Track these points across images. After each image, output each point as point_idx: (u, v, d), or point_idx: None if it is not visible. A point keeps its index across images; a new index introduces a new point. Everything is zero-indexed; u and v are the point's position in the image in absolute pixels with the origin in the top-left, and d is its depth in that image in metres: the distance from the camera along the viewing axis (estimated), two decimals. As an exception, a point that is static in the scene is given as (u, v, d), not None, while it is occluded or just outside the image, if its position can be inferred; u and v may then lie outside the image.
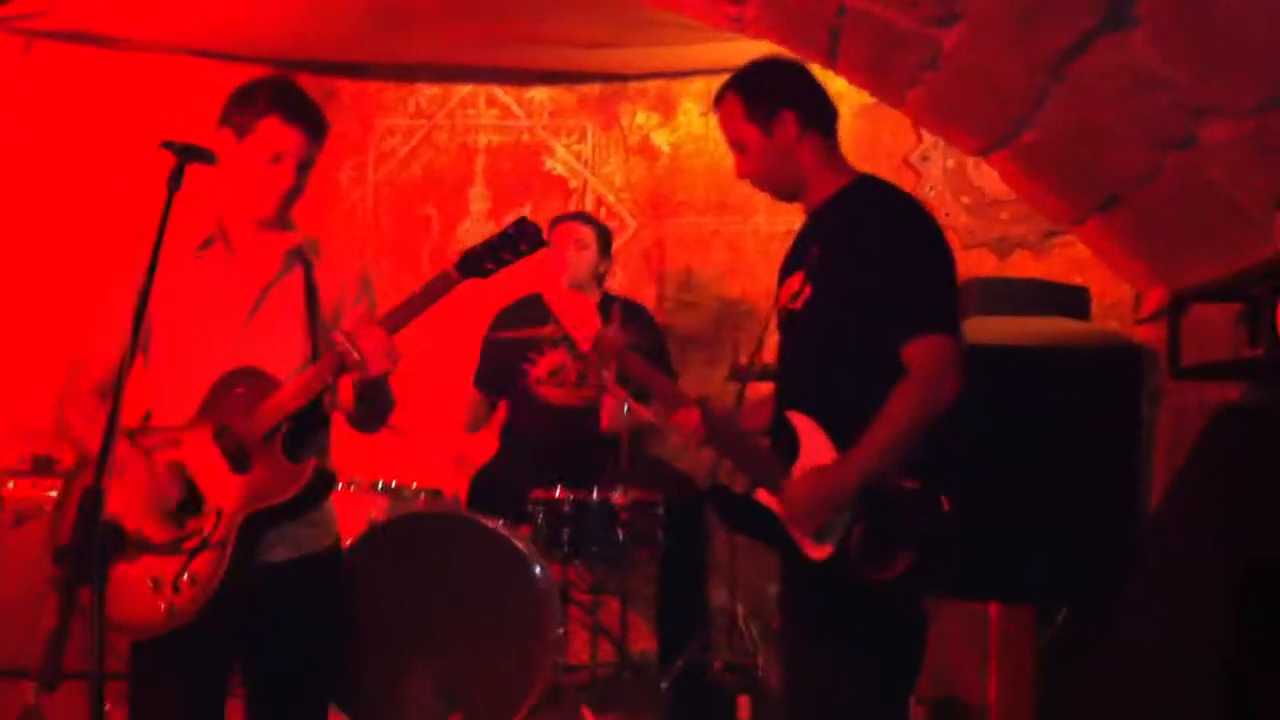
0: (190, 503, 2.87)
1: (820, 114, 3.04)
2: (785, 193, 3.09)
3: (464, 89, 6.36)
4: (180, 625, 2.83)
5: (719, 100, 3.07)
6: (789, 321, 3.02)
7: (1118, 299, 4.88)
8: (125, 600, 2.78)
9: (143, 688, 2.98)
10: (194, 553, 2.83)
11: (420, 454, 5.12)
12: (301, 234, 3.11)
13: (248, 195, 3.00)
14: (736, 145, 3.06)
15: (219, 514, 2.86)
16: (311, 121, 2.99)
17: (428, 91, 6.37)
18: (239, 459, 2.89)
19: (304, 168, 2.99)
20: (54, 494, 5.21)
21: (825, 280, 2.92)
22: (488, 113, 6.36)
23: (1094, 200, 3.16)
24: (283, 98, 2.98)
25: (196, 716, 2.97)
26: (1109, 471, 3.66)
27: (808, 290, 2.94)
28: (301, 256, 3.08)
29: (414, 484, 4.94)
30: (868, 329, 2.82)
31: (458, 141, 6.36)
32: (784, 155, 2.99)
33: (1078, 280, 4.80)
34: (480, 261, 2.96)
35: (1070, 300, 4.27)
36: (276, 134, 2.94)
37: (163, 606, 2.82)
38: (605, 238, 5.43)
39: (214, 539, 2.84)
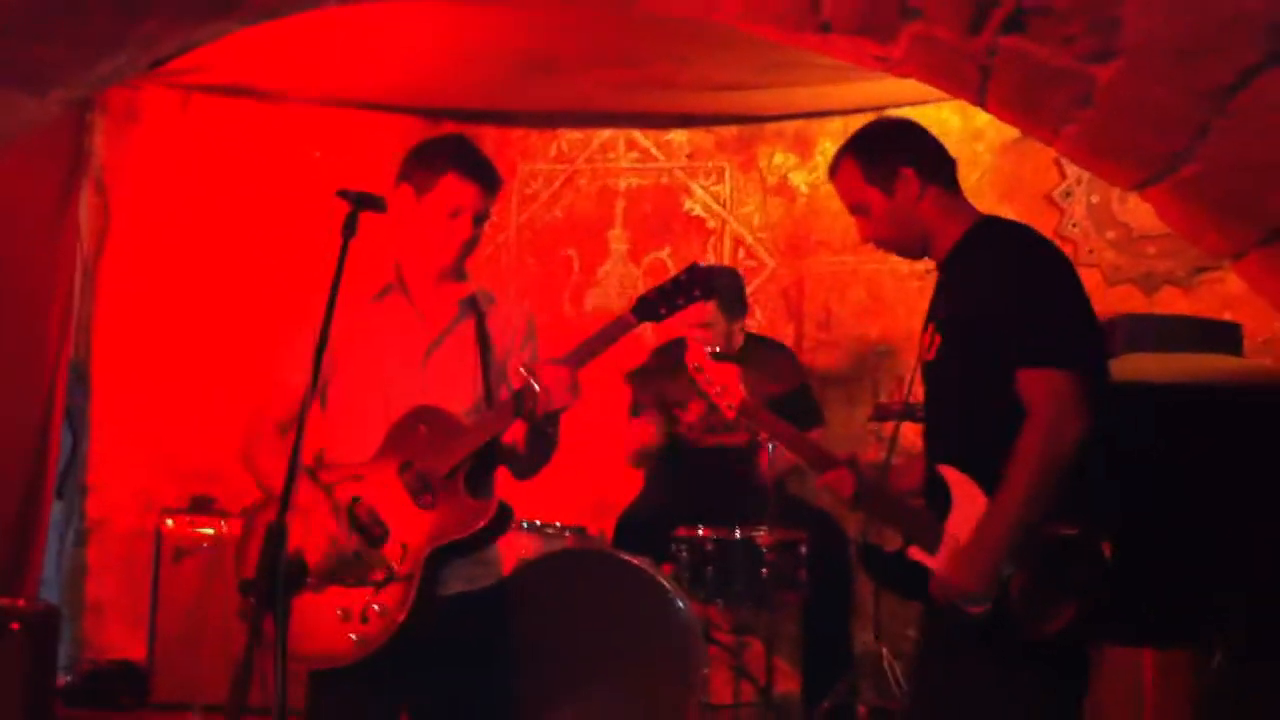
0: (375, 536, 2.96)
1: (939, 166, 2.99)
2: (912, 251, 3.05)
3: (604, 133, 6.47)
4: (367, 654, 2.90)
5: (835, 168, 3.04)
6: (928, 373, 2.98)
7: (1271, 335, 4.78)
8: (314, 631, 2.88)
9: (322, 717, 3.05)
10: (381, 584, 2.92)
11: (562, 495, 5.15)
12: (475, 285, 3.24)
13: (428, 247, 3.14)
14: (858, 210, 3.02)
15: (404, 547, 2.94)
16: (487, 177, 3.15)
17: (569, 136, 6.49)
18: (423, 494, 2.97)
19: (480, 220, 3.15)
20: (211, 531, 5.41)
21: (952, 328, 2.89)
22: (627, 156, 6.45)
23: (1256, 234, 3.07)
24: (460, 155, 3.15)
25: None
26: (1270, 511, 3.57)
27: (938, 340, 2.91)
28: (475, 306, 3.20)
29: (558, 523, 4.99)
30: (994, 371, 2.76)
31: (598, 184, 6.46)
32: (907, 214, 2.95)
33: (1228, 316, 4.72)
34: (655, 306, 3.05)
35: (1223, 336, 4.20)
36: (455, 190, 3.10)
37: (353, 636, 2.90)
38: (731, 298, 5.13)
39: (401, 571, 2.92)
